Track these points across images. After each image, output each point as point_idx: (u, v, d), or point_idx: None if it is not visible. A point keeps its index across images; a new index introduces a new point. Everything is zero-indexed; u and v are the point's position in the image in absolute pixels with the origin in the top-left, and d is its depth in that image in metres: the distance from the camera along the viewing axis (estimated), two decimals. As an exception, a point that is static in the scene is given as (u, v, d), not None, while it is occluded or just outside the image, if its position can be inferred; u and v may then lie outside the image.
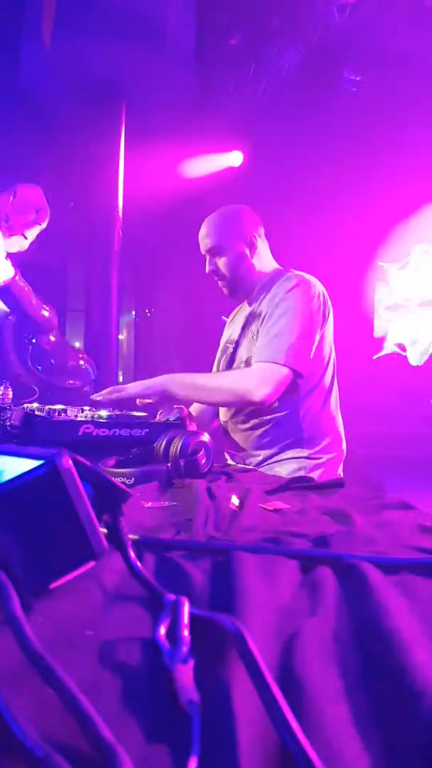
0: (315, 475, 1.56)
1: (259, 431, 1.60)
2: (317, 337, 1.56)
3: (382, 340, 8.63)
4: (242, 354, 1.66)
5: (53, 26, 4.92)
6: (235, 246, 1.65)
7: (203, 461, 1.15)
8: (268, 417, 1.57)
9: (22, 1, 5.45)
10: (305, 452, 1.58)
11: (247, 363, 1.59)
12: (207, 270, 1.70)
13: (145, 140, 6.80)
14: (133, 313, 9.60)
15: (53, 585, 0.47)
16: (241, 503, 0.91)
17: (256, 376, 1.47)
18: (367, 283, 8.56)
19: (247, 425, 1.62)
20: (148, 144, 6.90)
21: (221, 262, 1.66)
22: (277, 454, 1.58)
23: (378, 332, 8.71)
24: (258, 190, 6.80)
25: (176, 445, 1.12)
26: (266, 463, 1.59)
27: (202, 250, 1.70)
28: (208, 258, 1.69)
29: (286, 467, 1.56)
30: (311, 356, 1.53)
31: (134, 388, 1.46)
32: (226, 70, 5.89)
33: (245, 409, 1.59)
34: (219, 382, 1.56)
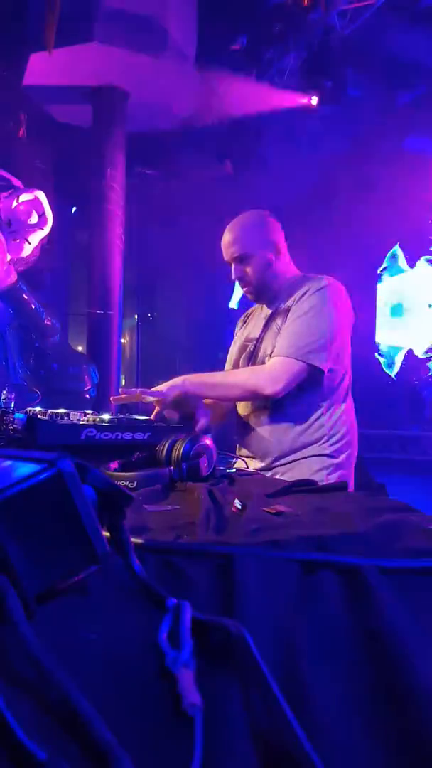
0: (334, 477, 1.56)
1: (282, 426, 1.60)
2: (340, 336, 1.56)
3: (384, 341, 8.63)
4: (266, 348, 1.65)
5: (56, 32, 4.94)
6: (262, 252, 1.65)
7: (205, 465, 1.15)
8: (291, 412, 1.57)
9: (26, 6, 5.48)
10: (327, 450, 1.58)
11: (271, 357, 1.61)
12: (234, 277, 1.70)
13: (146, 143, 6.82)
14: (136, 316, 9.61)
15: (55, 588, 0.47)
16: (243, 506, 0.91)
17: (267, 371, 1.51)
18: (370, 284, 8.56)
19: (269, 420, 1.62)
20: (150, 147, 6.93)
21: (249, 270, 1.66)
22: (299, 450, 1.58)
23: (380, 333, 8.71)
24: (257, 196, 6.82)
25: (178, 449, 1.12)
26: (288, 459, 1.58)
27: (228, 257, 1.69)
28: (234, 265, 1.68)
29: (308, 467, 1.55)
30: (334, 354, 1.53)
31: (159, 389, 1.50)
32: (228, 75, 5.90)
33: (267, 403, 1.60)
34: (232, 378, 1.59)
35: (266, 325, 1.70)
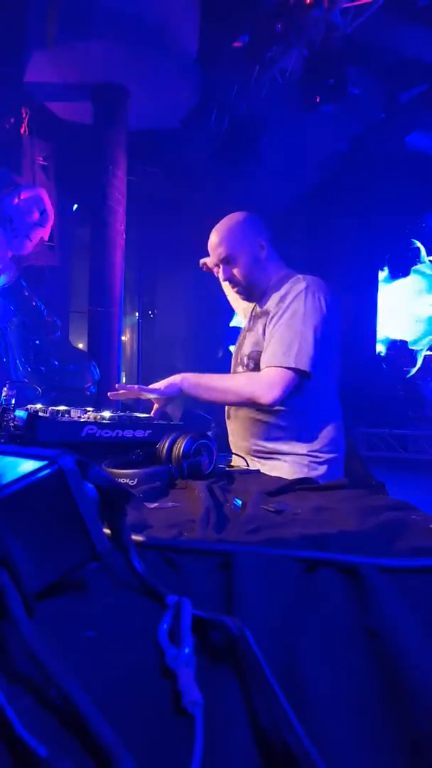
0: (317, 473, 1.57)
1: (265, 424, 1.63)
2: (322, 336, 1.58)
3: (385, 340, 8.62)
4: (245, 349, 1.72)
5: (57, 28, 4.94)
6: (248, 252, 1.68)
7: (206, 463, 1.15)
8: (275, 410, 1.60)
9: (27, 3, 5.47)
10: (305, 448, 1.60)
11: (249, 357, 1.67)
12: (223, 279, 1.74)
13: (147, 140, 6.81)
14: (137, 314, 9.61)
15: (56, 585, 0.47)
16: (244, 504, 0.91)
17: (265, 381, 1.53)
18: (371, 282, 8.55)
19: (252, 415, 1.65)
20: (151, 144, 6.92)
21: (236, 270, 1.69)
22: (280, 448, 1.61)
23: (382, 333, 8.70)
24: (261, 193, 6.81)
25: (179, 447, 1.12)
26: (269, 457, 1.60)
27: (215, 260, 1.72)
28: (222, 267, 1.71)
29: (288, 466, 1.57)
30: (318, 357, 1.56)
31: (157, 386, 1.52)
32: (230, 73, 5.89)
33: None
34: (230, 384, 1.61)
35: (249, 325, 1.74)
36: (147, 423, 1.26)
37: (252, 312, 1.83)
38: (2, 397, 1.47)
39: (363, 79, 5.96)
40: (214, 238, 1.70)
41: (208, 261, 1.86)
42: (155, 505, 0.92)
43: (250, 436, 1.65)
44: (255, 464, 1.57)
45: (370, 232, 8.00)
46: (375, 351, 8.79)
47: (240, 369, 1.73)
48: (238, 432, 1.70)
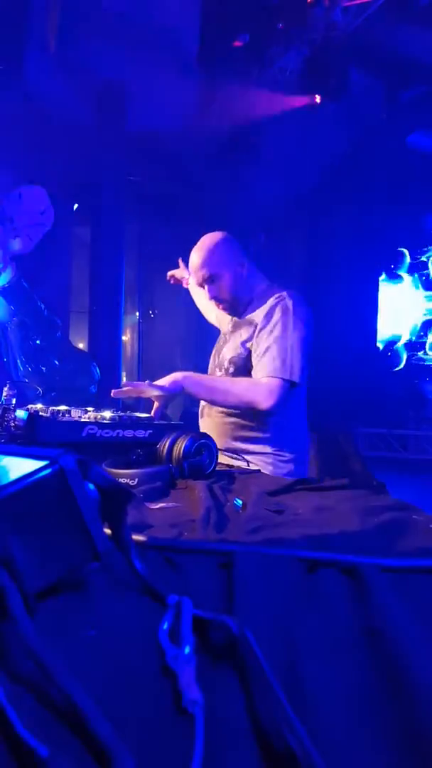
0: (281, 471, 1.68)
1: (236, 424, 1.73)
2: (304, 348, 1.70)
3: (386, 341, 8.62)
4: (226, 353, 1.82)
5: (57, 30, 4.93)
6: (230, 271, 1.79)
7: (206, 462, 1.15)
8: (247, 412, 1.70)
9: (27, 4, 5.46)
10: (271, 448, 1.71)
11: (230, 362, 1.78)
12: (209, 297, 1.83)
13: (148, 140, 6.80)
14: (137, 314, 9.61)
15: (56, 585, 0.47)
16: (244, 504, 0.91)
17: (266, 389, 1.63)
18: (372, 282, 8.55)
19: (225, 415, 1.76)
20: (151, 144, 6.91)
21: (220, 288, 1.80)
22: (248, 447, 1.71)
23: (383, 333, 8.70)
24: (261, 192, 6.81)
25: (180, 447, 1.12)
26: (237, 456, 1.68)
27: (199, 281, 1.82)
28: (207, 287, 1.81)
29: (254, 464, 1.65)
30: (304, 367, 1.69)
31: (161, 383, 1.57)
32: (230, 73, 5.89)
33: None
34: (231, 387, 1.69)
35: (232, 332, 1.84)
36: (147, 423, 1.26)
37: (232, 319, 1.92)
38: (3, 397, 1.47)
39: (364, 78, 5.95)
40: (195, 260, 1.80)
41: (177, 273, 2.07)
42: (156, 505, 0.92)
43: (221, 435, 1.72)
44: (224, 459, 1.63)
45: (370, 232, 7.99)
46: (375, 351, 8.79)
47: (219, 372, 1.82)
48: (210, 430, 1.76)
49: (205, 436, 1.19)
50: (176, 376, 1.59)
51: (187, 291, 2.19)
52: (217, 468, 1.22)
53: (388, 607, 0.46)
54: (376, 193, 6.96)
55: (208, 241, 1.82)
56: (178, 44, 5.66)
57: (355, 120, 6.32)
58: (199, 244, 1.83)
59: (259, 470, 1.47)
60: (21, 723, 0.29)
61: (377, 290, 8.59)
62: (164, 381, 1.57)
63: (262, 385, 1.64)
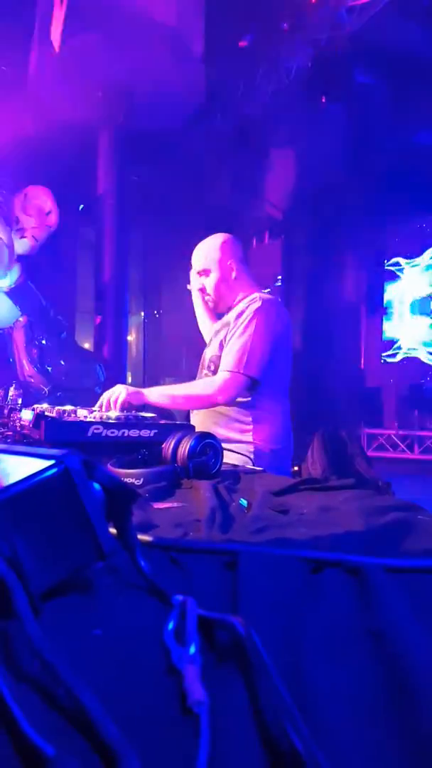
0: (261, 461, 1.76)
1: (223, 416, 1.85)
2: (270, 348, 1.81)
3: (391, 342, 8.59)
4: (207, 354, 1.99)
5: (63, 30, 4.94)
6: (218, 271, 1.97)
7: (211, 462, 1.15)
8: (233, 406, 1.82)
9: (33, 5, 5.47)
10: (252, 438, 1.81)
11: (211, 360, 1.93)
12: (197, 287, 2.03)
13: (152, 140, 6.80)
14: (142, 314, 9.62)
15: (62, 585, 0.47)
16: (249, 504, 0.91)
17: (219, 383, 1.78)
18: (376, 281, 8.52)
19: (213, 409, 1.87)
20: (156, 144, 6.91)
21: (207, 282, 1.99)
22: (232, 437, 1.81)
23: (388, 334, 8.67)
24: (263, 193, 6.80)
25: (185, 447, 1.12)
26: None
27: (193, 270, 2.03)
28: (196, 277, 2.02)
29: (235, 453, 1.74)
30: (268, 365, 1.79)
31: (121, 401, 1.66)
32: (235, 72, 5.88)
33: None
34: (189, 391, 1.85)
35: (215, 335, 1.99)
36: (153, 423, 1.26)
37: (213, 326, 2.08)
38: (9, 397, 1.48)
39: (368, 77, 5.94)
40: (196, 252, 2.02)
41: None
42: (161, 504, 0.92)
43: (210, 425, 1.83)
44: None
45: (375, 232, 7.97)
46: (380, 351, 8.76)
47: (204, 371, 1.96)
48: (200, 423, 1.86)
49: (210, 435, 1.19)
50: (142, 390, 1.70)
51: (190, 292, 2.23)
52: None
53: (393, 607, 0.46)
54: (382, 194, 6.94)
55: (210, 238, 2.02)
56: (183, 44, 5.65)
57: (359, 119, 6.30)
58: (205, 239, 2.02)
59: (263, 470, 1.47)
60: (27, 722, 0.29)
61: (383, 290, 8.56)
62: (128, 397, 1.65)
63: (217, 381, 1.78)
